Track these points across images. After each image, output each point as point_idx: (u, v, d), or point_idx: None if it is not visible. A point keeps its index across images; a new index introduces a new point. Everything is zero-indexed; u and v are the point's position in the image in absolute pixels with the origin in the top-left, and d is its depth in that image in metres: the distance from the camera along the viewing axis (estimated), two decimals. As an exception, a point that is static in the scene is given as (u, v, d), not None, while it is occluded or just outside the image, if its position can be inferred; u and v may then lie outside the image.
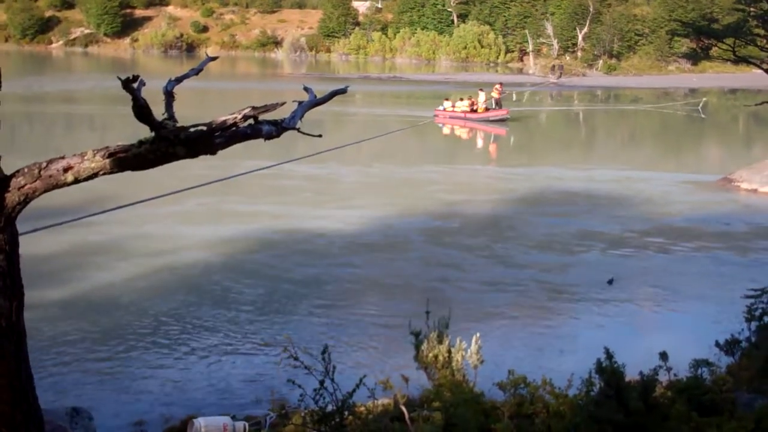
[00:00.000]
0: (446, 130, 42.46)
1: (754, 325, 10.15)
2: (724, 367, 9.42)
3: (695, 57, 78.94)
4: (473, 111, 43.67)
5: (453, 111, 43.75)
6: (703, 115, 51.96)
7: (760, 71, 18.10)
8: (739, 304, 11.26)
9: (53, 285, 15.07)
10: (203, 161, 4.47)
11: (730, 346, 9.73)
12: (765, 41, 17.63)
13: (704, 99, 57.55)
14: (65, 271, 16.08)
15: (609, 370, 6.23)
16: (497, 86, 46.92)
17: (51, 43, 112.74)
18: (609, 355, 6.34)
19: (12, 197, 3.81)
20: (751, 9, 18.25)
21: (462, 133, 42.14)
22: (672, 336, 13.14)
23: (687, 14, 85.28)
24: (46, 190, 3.93)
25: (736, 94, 74.15)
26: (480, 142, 40.48)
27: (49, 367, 11.71)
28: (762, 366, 8.39)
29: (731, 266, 18.28)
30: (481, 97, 45.10)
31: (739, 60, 18.68)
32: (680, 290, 16.26)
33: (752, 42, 17.89)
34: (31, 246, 4.40)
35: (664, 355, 8.02)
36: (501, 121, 43.69)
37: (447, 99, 45.20)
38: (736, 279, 16.49)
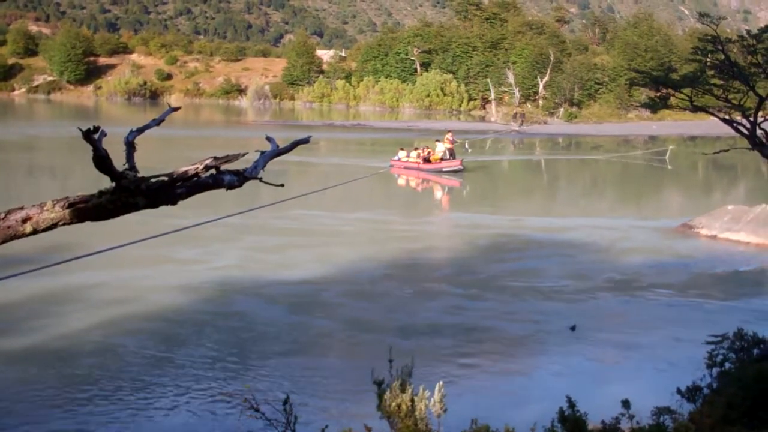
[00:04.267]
0: (402, 181, 42.07)
1: (715, 371, 10.21)
2: (686, 414, 9.45)
3: (654, 106, 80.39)
4: (427, 161, 43.06)
5: (407, 161, 43.20)
6: (669, 166, 52.24)
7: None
8: (701, 350, 11.34)
9: (12, 335, 14.83)
10: (167, 209, 4.45)
11: (691, 393, 9.77)
12: (721, 91, 17.99)
13: (670, 147, 57.88)
14: (24, 320, 15.82)
15: (571, 419, 6.23)
16: (447, 136, 45.88)
17: (13, 90, 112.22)
18: (571, 404, 6.35)
19: (-31, 248, 3.77)
20: (708, 60, 18.62)
21: (418, 183, 41.71)
22: (634, 383, 13.17)
23: (645, 63, 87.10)
24: (4, 241, 3.89)
25: (695, 141, 75.41)
26: (438, 193, 40.28)
27: (6, 417, 11.48)
28: (724, 413, 8.44)
29: (692, 312, 18.43)
30: (439, 147, 44.31)
31: (697, 109, 19.03)
32: (642, 336, 16.33)
33: (709, 92, 18.24)
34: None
35: (626, 403, 8.03)
36: (454, 172, 42.81)
37: (402, 149, 44.51)
38: (697, 325, 16.61)
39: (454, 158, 44.06)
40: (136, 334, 15.42)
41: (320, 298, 18.54)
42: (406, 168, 43.03)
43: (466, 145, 49.74)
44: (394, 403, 8.40)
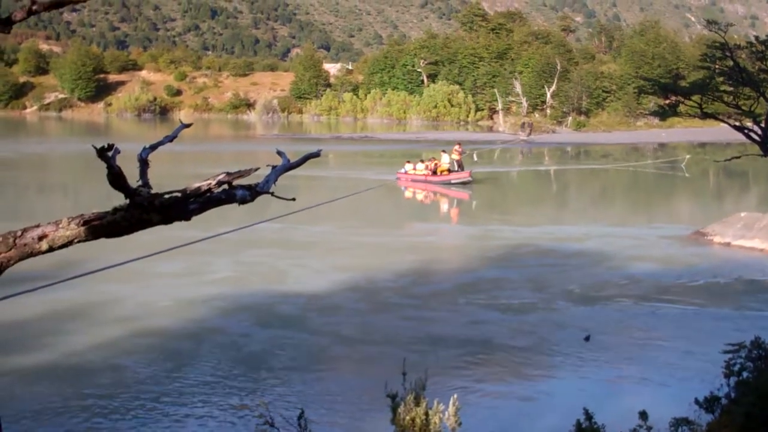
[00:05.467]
0: (409, 194, 41.53)
1: (733, 380, 10.11)
2: (704, 425, 9.37)
3: (663, 114, 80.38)
4: (434, 173, 42.41)
5: (414, 173, 42.54)
6: (687, 174, 51.81)
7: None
8: (717, 359, 11.26)
9: (24, 351, 14.84)
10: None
11: (709, 404, 9.68)
12: (731, 97, 17.99)
13: (687, 156, 57.29)
14: (36, 337, 15.83)
15: (588, 431, 6.18)
16: (456, 147, 45.14)
17: (25, 108, 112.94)
18: (588, 416, 6.30)
19: (-15, 267, 3.76)
20: (716, 66, 18.61)
21: (425, 196, 41.11)
22: (651, 394, 13.09)
23: (653, 71, 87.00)
24: (20, 259, 3.89)
25: (705, 148, 75.22)
26: (445, 205, 39.89)
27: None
28: (742, 423, 8.36)
29: (708, 321, 18.33)
30: (445, 158, 43.55)
31: (707, 116, 19.03)
32: (658, 346, 16.24)
33: (719, 98, 18.24)
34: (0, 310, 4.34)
35: (643, 414, 7.96)
36: (463, 184, 42.19)
37: (408, 161, 43.81)
38: (713, 334, 16.49)
39: (462, 170, 43.50)
40: (146, 350, 15.41)
41: (328, 311, 18.51)
42: (413, 180, 42.54)
43: (475, 156, 49.46)
44: (408, 417, 8.34)
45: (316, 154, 5.07)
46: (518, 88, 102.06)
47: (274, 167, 4.65)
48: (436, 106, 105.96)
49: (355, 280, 21.09)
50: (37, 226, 3.91)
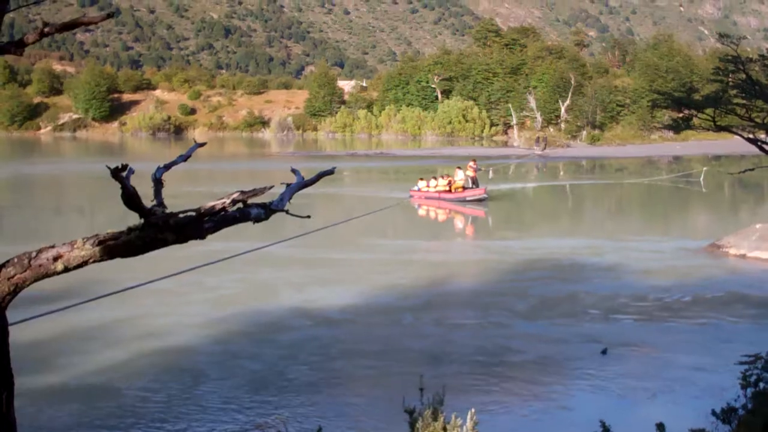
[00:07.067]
0: (422, 211, 40.91)
1: (749, 391, 10.09)
2: (721, 436, 9.34)
3: (677, 127, 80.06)
4: (448, 191, 41.69)
5: (428, 191, 41.94)
6: (704, 189, 50.93)
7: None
8: (734, 370, 11.22)
9: (41, 372, 14.88)
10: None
11: (726, 415, 9.64)
12: (744, 110, 17.95)
13: (704, 169, 56.59)
14: (52, 357, 15.88)
15: (605, 444, 6.17)
16: (471, 163, 44.39)
17: (39, 128, 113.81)
18: (605, 429, 6.29)
19: (2, 288, 3.81)
20: (729, 79, 18.59)
21: (440, 213, 40.34)
22: (668, 406, 13.02)
23: (667, 84, 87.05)
24: (36, 280, 3.93)
25: (720, 160, 74.96)
26: (460, 222, 39.33)
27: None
28: (759, 434, 8.32)
29: (723, 332, 18.23)
30: (459, 174, 42.81)
31: (720, 129, 18.99)
32: (674, 358, 16.16)
33: (732, 111, 18.20)
34: (16, 332, 4.37)
35: (660, 427, 7.94)
36: (478, 200, 41.38)
37: (422, 179, 43.14)
38: (729, 346, 16.42)
39: (477, 186, 42.85)
40: (158, 369, 15.41)
41: (341, 327, 18.49)
42: (427, 198, 41.87)
43: (490, 173, 49.21)
44: (426, 432, 8.34)
45: (330, 172, 5.12)
46: (532, 103, 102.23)
47: (288, 185, 4.70)
48: (450, 122, 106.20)
49: (368, 297, 21.08)
50: (52, 246, 3.96)
